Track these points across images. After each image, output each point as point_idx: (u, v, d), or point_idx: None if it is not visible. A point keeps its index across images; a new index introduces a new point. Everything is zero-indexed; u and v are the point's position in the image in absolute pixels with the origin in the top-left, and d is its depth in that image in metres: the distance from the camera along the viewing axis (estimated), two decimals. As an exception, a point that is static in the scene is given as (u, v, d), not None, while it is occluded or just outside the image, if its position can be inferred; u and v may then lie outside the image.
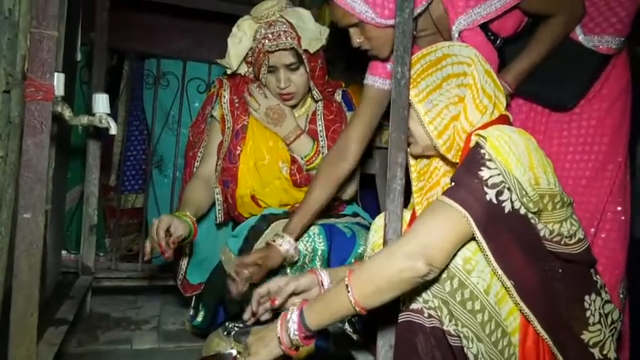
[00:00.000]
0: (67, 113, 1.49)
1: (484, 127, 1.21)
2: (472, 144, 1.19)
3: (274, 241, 1.59)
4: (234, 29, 1.83)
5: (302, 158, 1.80)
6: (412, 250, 1.11)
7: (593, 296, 1.21)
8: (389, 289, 1.13)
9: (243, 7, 2.50)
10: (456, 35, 1.53)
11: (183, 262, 1.86)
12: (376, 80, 1.64)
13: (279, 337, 1.19)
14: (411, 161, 1.41)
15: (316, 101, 1.91)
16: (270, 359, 1.20)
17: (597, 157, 1.66)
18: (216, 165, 1.85)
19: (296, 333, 1.17)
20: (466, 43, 1.37)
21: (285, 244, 1.58)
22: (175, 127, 2.67)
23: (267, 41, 1.73)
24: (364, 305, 1.14)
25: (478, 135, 1.17)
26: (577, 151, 1.68)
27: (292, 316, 1.18)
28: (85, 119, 1.61)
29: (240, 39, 1.81)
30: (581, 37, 1.60)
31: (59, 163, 2.04)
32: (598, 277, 1.26)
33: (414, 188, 1.40)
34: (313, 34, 1.76)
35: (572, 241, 1.19)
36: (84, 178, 2.37)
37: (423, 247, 1.10)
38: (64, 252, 2.52)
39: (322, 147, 1.82)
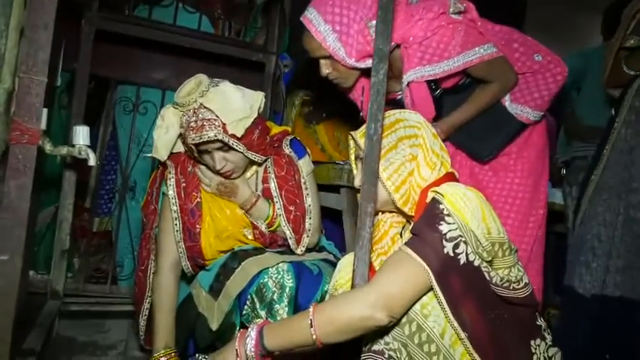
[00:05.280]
0: (48, 147, 1.49)
1: (436, 183, 1.33)
2: (429, 199, 1.29)
3: None
4: (159, 120, 1.75)
5: (262, 223, 1.78)
6: (374, 301, 1.19)
7: (538, 341, 1.30)
8: (349, 332, 1.22)
9: (219, 46, 2.63)
10: (405, 84, 1.71)
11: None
12: None
13: (236, 350, 1.26)
14: None
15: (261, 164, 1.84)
16: None
17: (520, 208, 1.85)
18: (178, 245, 1.77)
19: (252, 350, 1.25)
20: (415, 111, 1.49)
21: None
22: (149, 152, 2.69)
23: (191, 132, 1.63)
24: (324, 341, 1.22)
25: (435, 192, 1.27)
26: (507, 202, 1.86)
27: (251, 333, 1.27)
28: (64, 150, 1.60)
29: (167, 129, 1.74)
30: (507, 103, 1.79)
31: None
32: (541, 320, 1.35)
33: None
34: (240, 114, 1.64)
35: (520, 285, 1.28)
36: (57, 199, 2.39)
37: (385, 298, 1.19)
38: (31, 272, 2.49)
39: (279, 209, 1.78)
